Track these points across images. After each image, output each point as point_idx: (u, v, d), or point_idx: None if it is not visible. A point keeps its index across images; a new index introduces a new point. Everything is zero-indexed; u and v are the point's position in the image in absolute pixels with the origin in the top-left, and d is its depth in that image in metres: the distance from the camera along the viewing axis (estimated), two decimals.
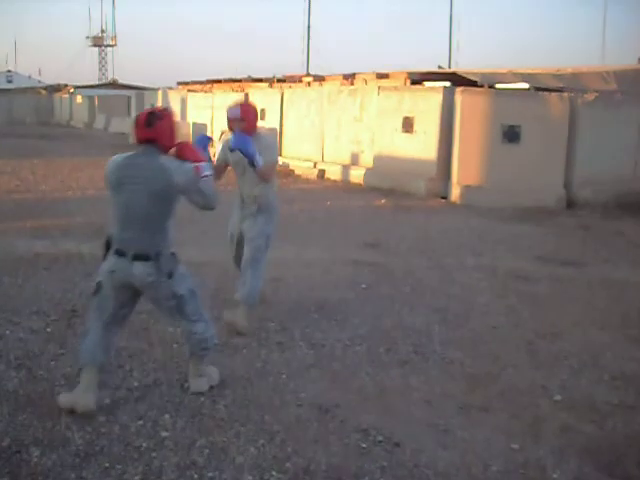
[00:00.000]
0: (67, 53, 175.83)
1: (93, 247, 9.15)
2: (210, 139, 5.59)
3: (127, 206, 4.36)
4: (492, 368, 5.50)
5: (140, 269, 4.38)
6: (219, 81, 25.98)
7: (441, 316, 6.73)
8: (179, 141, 4.51)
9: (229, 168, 6.39)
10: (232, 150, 6.03)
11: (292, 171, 19.16)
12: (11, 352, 5.49)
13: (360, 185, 16.75)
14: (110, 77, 68.11)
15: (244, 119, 6.07)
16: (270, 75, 23.82)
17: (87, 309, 6.60)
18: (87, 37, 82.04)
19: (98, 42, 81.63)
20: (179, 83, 29.65)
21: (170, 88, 30.92)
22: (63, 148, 26.26)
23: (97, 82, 61.86)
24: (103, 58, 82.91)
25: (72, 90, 47.53)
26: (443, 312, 6.87)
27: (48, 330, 6.08)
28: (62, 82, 50.23)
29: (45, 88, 51.30)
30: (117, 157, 4.49)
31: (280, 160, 19.82)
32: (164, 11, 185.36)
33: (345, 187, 16.75)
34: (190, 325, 4.69)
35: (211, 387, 4.89)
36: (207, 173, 4.43)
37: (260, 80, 23.91)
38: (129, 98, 35.92)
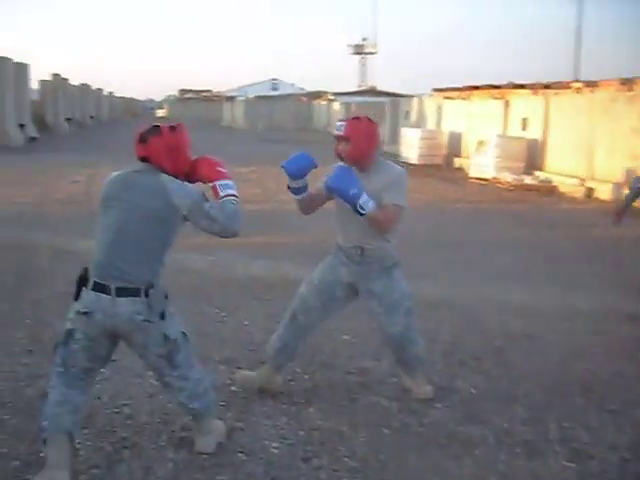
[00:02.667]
0: (328, 61, 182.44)
1: None
2: (313, 164, 4.47)
3: (115, 229, 3.59)
4: None
5: (126, 307, 3.53)
6: (477, 87, 24.25)
7: None
8: (196, 157, 3.79)
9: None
10: (329, 190, 4.45)
11: (555, 188, 17.09)
12: (179, 418, 4.22)
13: (638, 208, 14.33)
14: (369, 84, 68.66)
15: (349, 138, 4.39)
16: (534, 81, 21.70)
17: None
18: (348, 45, 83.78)
19: (359, 50, 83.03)
20: (435, 90, 28.21)
21: (426, 95, 29.67)
22: (315, 155, 25.87)
23: (356, 89, 62.38)
24: (363, 65, 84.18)
25: (331, 97, 48.00)
26: None
27: (232, 389, 4.84)
28: (322, 89, 51.01)
29: (305, 95, 52.40)
30: (116, 173, 3.76)
31: (542, 175, 17.89)
32: (424, 18, 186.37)
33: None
34: (179, 380, 3.78)
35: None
36: (229, 192, 3.70)
37: (522, 86, 21.86)
38: (385, 105, 35.29)
